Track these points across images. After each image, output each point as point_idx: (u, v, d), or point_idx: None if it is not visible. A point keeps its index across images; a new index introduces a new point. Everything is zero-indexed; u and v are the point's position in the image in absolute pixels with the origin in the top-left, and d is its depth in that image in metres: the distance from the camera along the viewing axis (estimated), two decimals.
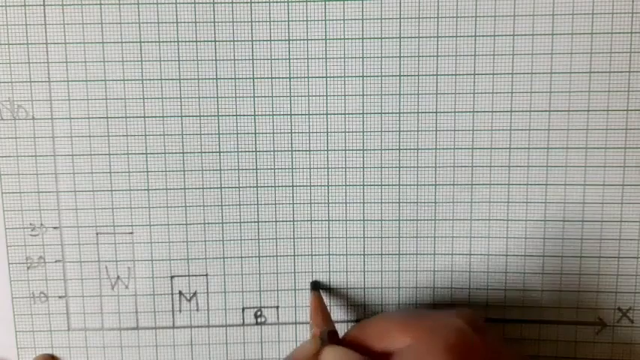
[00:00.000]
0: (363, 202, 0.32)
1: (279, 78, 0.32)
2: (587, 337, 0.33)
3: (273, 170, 0.32)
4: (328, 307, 0.33)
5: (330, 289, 0.33)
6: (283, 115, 0.32)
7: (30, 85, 0.31)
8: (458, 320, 0.27)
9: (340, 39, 0.31)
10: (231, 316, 0.34)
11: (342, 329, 0.33)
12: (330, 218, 0.33)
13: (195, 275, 0.33)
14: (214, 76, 0.32)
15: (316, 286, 0.33)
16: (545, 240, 0.32)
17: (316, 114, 0.32)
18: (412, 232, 0.33)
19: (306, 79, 0.32)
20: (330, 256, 0.33)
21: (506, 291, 0.33)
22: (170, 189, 0.32)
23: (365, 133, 0.32)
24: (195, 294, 0.33)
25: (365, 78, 0.31)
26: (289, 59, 0.31)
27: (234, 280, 0.33)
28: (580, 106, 0.31)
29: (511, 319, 0.33)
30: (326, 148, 0.32)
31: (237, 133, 0.32)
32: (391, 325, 0.28)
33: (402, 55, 0.31)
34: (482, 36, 0.31)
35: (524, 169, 0.32)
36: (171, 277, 0.33)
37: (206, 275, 0.33)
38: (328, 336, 0.29)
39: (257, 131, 0.32)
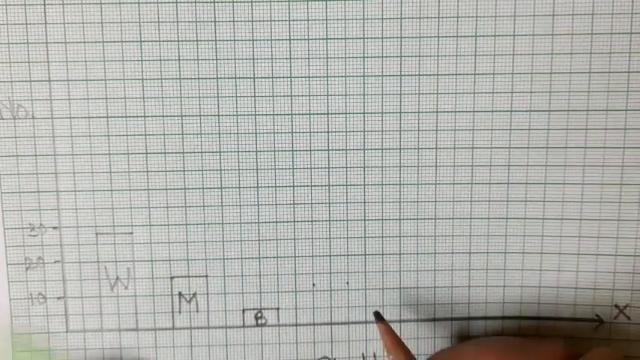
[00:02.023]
0: (364, 202, 0.33)
1: (279, 77, 0.32)
2: (584, 334, 0.33)
3: (273, 170, 0.32)
4: (324, 309, 0.33)
5: (330, 291, 0.33)
6: (284, 114, 0.32)
7: (30, 85, 0.31)
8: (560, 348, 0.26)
9: (341, 39, 0.31)
10: (231, 317, 0.33)
11: (341, 331, 0.34)
12: (331, 218, 0.33)
13: (195, 276, 0.33)
14: (215, 76, 0.31)
15: (380, 317, 0.31)
16: (543, 237, 0.33)
17: (317, 114, 0.32)
18: (413, 231, 0.33)
19: (307, 79, 0.32)
20: (331, 257, 0.33)
21: (505, 288, 0.33)
22: (170, 189, 0.32)
23: (366, 133, 0.32)
24: (195, 295, 0.33)
25: (366, 78, 0.32)
26: (290, 59, 0.31)
27: (235, 281, 0.33)
28: (579, 106, 0.31)
29: (510, 315, 0.33)
30: (327, 148, 0.32)
31: (237, 133, 0.32)
32: (489, 356, 0.27)
33: (402, 54, 0.31)
34: (483, 36, 0.31)
35: (524, 168, 0.32)
36: (171, 277, 0.33)
37: (206, 276, 0.33)
38: None
39: (257, 131, 0.32)
